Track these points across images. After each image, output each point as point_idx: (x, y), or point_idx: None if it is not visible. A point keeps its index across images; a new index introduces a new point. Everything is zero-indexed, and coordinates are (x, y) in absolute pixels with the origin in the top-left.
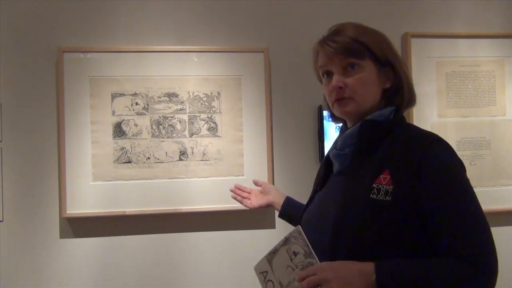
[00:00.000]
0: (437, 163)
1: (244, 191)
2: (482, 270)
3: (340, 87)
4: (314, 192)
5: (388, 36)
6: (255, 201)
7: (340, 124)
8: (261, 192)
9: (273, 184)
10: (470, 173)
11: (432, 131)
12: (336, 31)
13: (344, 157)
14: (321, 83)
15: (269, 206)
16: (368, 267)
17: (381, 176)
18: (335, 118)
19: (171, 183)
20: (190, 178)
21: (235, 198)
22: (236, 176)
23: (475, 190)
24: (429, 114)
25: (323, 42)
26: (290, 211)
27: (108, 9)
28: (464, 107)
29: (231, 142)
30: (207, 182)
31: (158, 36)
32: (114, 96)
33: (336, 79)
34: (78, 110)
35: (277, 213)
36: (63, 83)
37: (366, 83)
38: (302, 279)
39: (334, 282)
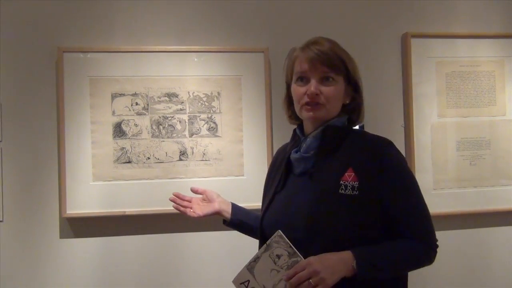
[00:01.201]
0: (395, 163)
1: (183, 200)
2: (431, 247)
3: (317, 94)
4: (274, 193)
5: (388, 36)
6: (199, 209)
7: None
8: (204, 199)
9: None
10: (470, 173)
11: (432, 131)
12: (315, 42)
13: (308, 159)
14: (287, 85)
15: (215, 214)
16: (347, 254)
17: (346, 174)
18: (292, 119)
19: (171, 183)
20: (190, 178)
21: (177, 209)
22: (236, 176)
23: (475, 190)
24: (429, 114)
25: (307, 47)
26: (241, 217)
27: (108, 9)
28: (464, 107)
29: (231, 142)
30: (207, 182)
31: (158, 36)
32: (114, 96)
33: (314, 86)
34: (78, 110)
35: None
36: (63, 83)
37: (337, 95)
38: (290, 277)
39: (323, 272)
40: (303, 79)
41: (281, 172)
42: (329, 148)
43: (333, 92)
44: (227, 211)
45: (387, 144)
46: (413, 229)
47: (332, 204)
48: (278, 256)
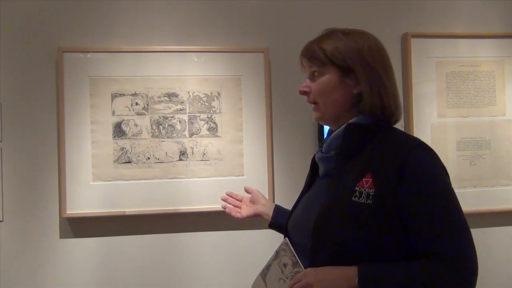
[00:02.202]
0: (419, 167)
1: (236, 199)
2: (462, 272)
3: (305, 92)
4: (301, 194)
5: (388, 36)
6: (244, 211)
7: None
8: (251, 200)
9: (273, 183)
10: (470, 173)
11: (432, 131)
12: (317, 39)
13: (329, 160)
14: None
15: (256, 216)
16: (351, 270)
17: (363, 179)
18: None
19: (171, 183)
20: (190, 178)
21: (224, 208)
22: (236, 176)
23: (475, 190)
24: (429, 114)
25: (302, 49)
26: (282, 220)
27: (108, 9)
28: (464, 107)
29: (231, 142)
30: (207, 182)
31: (158, 36)
32: (114, 96)
33: (302, 84)
34: (78, 110)
35: None
36: (63, 83)
37: (327, 87)
38: None
39: (316, 285)
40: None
41: (310, 171)
42: (350, 149)
43: (317, 86)
44: (268, 214)
45: (413, 146)
46: (438, 250)
47: (342, 211)
48: (285, 265)
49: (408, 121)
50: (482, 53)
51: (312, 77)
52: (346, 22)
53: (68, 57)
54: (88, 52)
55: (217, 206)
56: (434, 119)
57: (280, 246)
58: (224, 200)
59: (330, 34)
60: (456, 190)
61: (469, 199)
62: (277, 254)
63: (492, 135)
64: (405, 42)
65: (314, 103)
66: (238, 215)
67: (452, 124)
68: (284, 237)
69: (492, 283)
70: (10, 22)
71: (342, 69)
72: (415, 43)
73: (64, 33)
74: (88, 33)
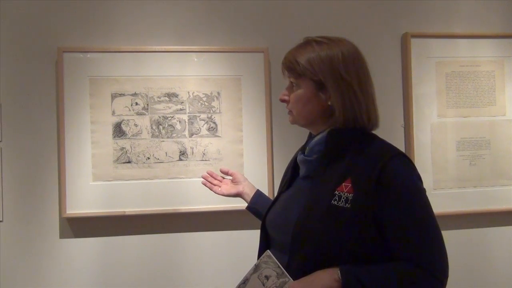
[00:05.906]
0: (395, 177)
1: (215, 179)
2: (434, 274)
3: (284, 100)
4: (279, 192)
5: (388, 36)
6: (225, 189)
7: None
8: (232, 181)
9: (273, 183)
10: (470, 173)
11: (432, 131)
12: (294, 49)
13: (311, 163)
14: None
15: (237, 196)
16: (332, 269)
17: (343, 184)
18: None
19: (171, 183)
20: (190, 178)
21: (204, 184)
22: None
23: (475, 190)
24: (429, 114)
25: (283, 59)
26: (259, 206)
27: (108, 9)
28: (464, 107)
29: (231, 142)
30: None
31: (158, 36)
32: (114, 96)
33: (281, 93)
34: (78, 110)
35: None
36: (63, 83)
37: (301, 100)
38: None
39: (300, 284)
40: None
41: (289, 172)
42: (332, 154)
43: (294, 98)
44: (249, 195)
45: (392, 156)
46: (413, 254)
47: (321, 214)
48: (267, 277)
49: (408, 121)
50: (482, 53)
51: (291, 87)
52: (346, 22)
53: (68, 57)
54: (88, 52)
55: (217, 206)
56: (434, 119)
57: (261, 259)
58: (204, 177)
59: (305, 44)
60: (456, 190)
61: (469, 199)
62: (256, 267)
63: (492, 135)
64: (405, 42)
65: (291, 111)
66: (218, 190)
67: (452, 124)
68: (267, 250)
69: (492, 283)
70: (10, 22)
71: (316, 83)
72: (415, 43)
73: (64, 33)
74: (88, 33)
